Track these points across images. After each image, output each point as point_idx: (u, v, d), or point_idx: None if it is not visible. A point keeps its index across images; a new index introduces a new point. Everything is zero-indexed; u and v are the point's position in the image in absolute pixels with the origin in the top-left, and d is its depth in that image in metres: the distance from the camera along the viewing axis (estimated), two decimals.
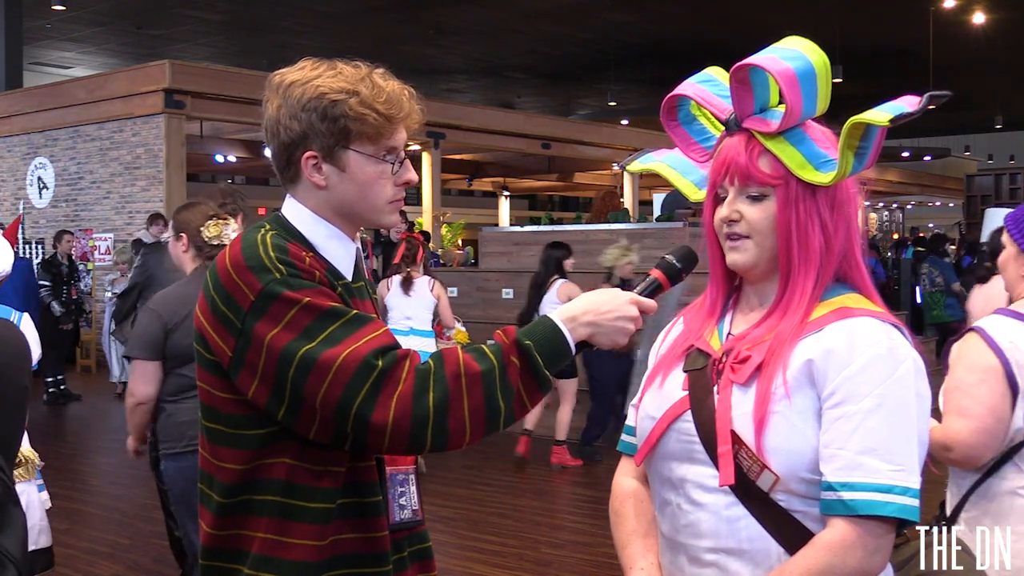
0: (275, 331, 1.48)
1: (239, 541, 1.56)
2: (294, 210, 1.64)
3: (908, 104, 1.41)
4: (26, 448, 3.59)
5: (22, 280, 9.06)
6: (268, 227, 1.60)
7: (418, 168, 16.02)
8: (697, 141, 1.65)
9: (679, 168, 1.67)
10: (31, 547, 3.49)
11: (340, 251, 1.64)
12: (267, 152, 1.65)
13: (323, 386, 1.45)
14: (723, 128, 1.58)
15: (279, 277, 1.50)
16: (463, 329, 7.13)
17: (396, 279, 6.83)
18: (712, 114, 1.59)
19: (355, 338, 1.48)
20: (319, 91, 1.55)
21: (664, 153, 1.71)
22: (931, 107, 1.40)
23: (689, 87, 1.61)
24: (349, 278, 1.64)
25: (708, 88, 1.59)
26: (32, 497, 3.56)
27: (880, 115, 1.41)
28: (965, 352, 2.26)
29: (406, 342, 6.43)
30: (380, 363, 1.46)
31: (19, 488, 3.44)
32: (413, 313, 6.74)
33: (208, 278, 1.57)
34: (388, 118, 1.58)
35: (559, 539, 5.62)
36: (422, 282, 6.77)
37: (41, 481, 3.77)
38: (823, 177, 1.48)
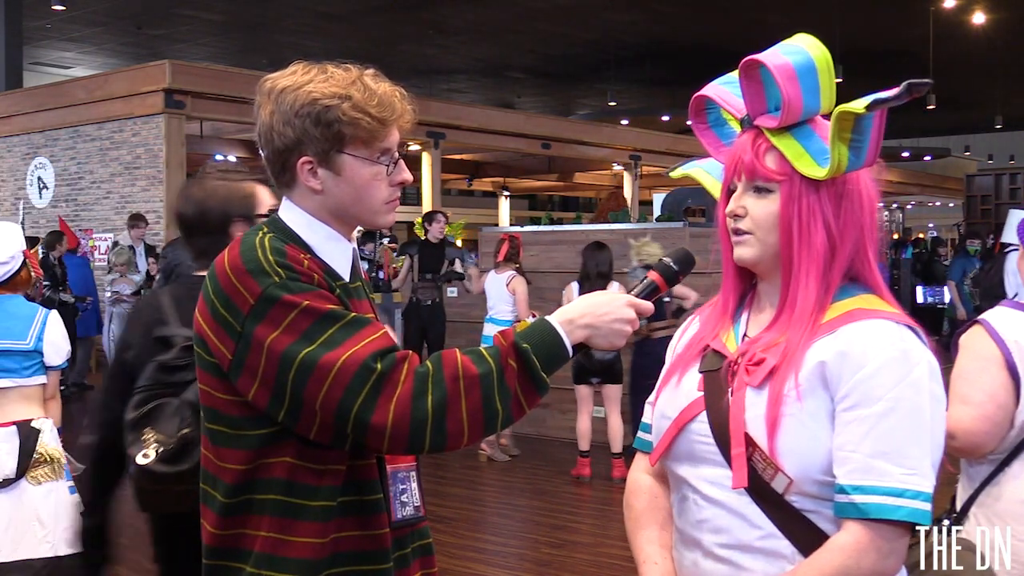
0: (275, 335, 1.49)
1: (242, 540, 1.57)
2: (291, 212, 1.64)
3: (886, 92, 1.41)
4: (51, 447, 3.56)
5: None
6: (266, 230, 1.61)
7: (418, 168, 16.02)
8: (726, 144, 1.65)
9: (713, 172, 1.67)
10: (67, 551, 3.48)
11: (337, 252, 1.65)
12: (262, 157, 1.65)
13: (323, 389, 1.46)
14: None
15: (278, 281, 1.51)
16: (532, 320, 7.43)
17: (491, 272, 7.81)
18: (731, 114, 1.60)
19: (354, 341, 1.48)
20: (311, 96, 1.56)
21: (707, 160, 1.71)
22: (914, 95, 1.40)
23: (711, 88, 1.61)
24: (347, 279, 1.64)
25: (729, 89, 1.60)
26: (63, 498, 3.52)
27: (859, 103, 1.42)
28: (969, 343, 2.31)
29: (485, 328, 7.60)
30: (379, 366, 1.47)
31: (47, 488, 3.49)
32: (494, 303, 7.66)
33: (207, 282, 1.58)
34: (381, 121, 1.58)
35: (559, 539, 5.62)
36: (502, 277, 7.59)
37: (72, 483, 3.72)
38: (819, 171, 1.47)
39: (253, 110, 1.63)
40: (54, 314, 3.72)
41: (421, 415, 1.46)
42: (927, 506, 1.38)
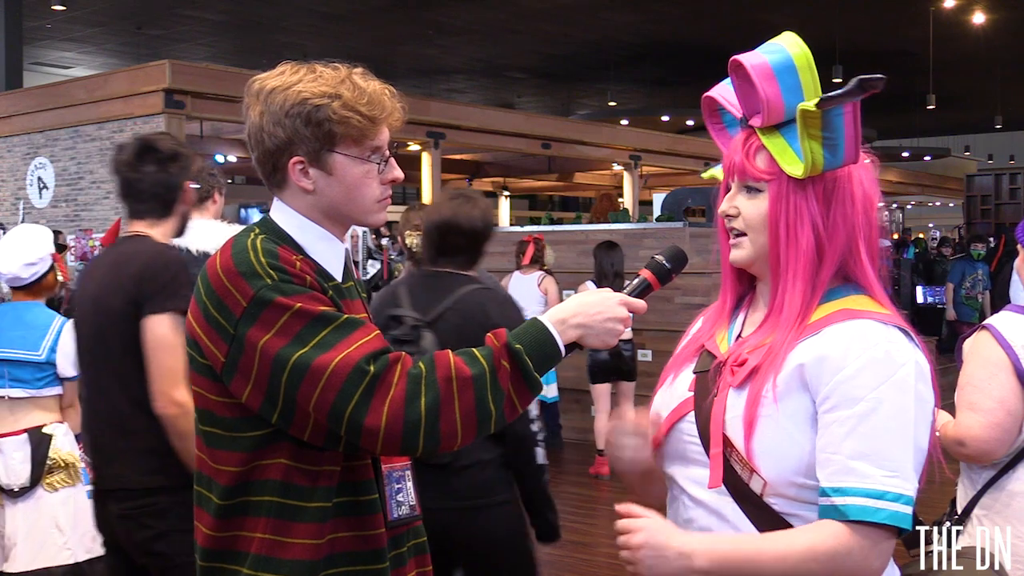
0: (267, 337, 1.48)
1: (237, 542, 1.56)
2: (283, 213, 1.64)
3: (839, 90, 1.41)
4: (65, 451, 3.50)
5: None
6: (258, 231, 1.60)
7: (418, 168, 16.01)
8: None
9: None
10: (86, 556, 3.44)
11: (329, 252, 1.64)
12: (252, 158, 1.64)
13: (316, 392, 1.46)
14: None
15: (271, 283, 1.50)
16: None
17: (515, 273, 7.60)
18: (733, 114, 1.59)
19: (347, 343, 1.48)
20: (301, 96, 1.55)
21: None
22: (867, 92, 1.39)
23: (718, 89, 1.61)
24: (339, 279, 1.65)
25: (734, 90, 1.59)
26: (81, 503, 3.44)
27: (812, 100, 1.42)
28: (976, 349, 2.29)
29: None
30: (372, 368, 1.47)
31: (64, 494, 3.44)
32: (523, 304, 7.30)
33: (199, 283, 1.57)
34: (371, 119, 1.58)
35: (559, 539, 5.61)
36: (530, 278, 7.44)
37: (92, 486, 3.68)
38: (797, 169, 1.47)
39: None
40: (71, 323, 3.63)
41: (415, 417, 1.46)
42: (908, 509, 1.37)
